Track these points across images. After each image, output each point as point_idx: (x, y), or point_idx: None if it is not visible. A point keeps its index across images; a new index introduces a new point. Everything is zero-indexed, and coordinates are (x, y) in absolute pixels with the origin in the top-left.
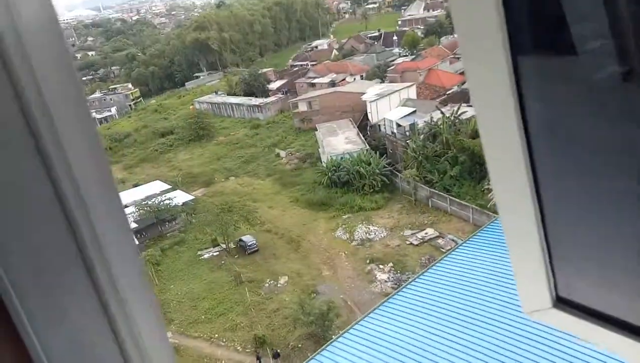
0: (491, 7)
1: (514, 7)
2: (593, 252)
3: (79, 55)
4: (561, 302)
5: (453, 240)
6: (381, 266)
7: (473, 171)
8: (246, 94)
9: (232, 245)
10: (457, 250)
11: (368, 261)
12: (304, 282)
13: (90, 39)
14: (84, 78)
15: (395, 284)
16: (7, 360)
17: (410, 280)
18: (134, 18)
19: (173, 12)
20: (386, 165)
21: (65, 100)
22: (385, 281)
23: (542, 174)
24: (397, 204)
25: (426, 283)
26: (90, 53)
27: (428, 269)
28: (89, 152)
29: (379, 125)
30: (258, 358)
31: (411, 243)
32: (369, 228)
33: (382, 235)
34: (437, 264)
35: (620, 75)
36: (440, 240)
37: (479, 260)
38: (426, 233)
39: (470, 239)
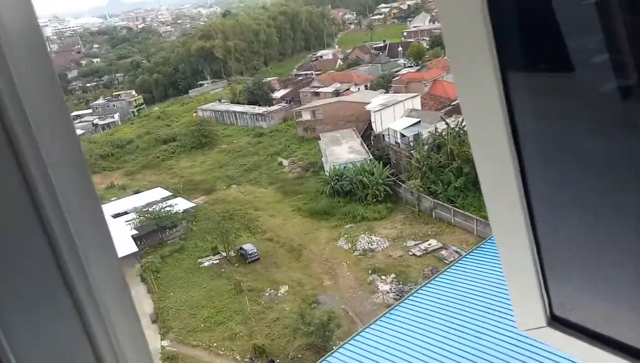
0: (479, 23)
1: (502, 24)
2: (588, 271)
3: (84, 62)
4: (556, 321)
5: (457, 252)
6: (383, 277)
7: (478, 182)
8: (250, 103)
9: (232, 254)
10: (460, 261)
11: (370, 271)
12: (304, 291)
13: (95, 46)
14: (88, 84)
15: (398, 295)
16: None
17: (412, 291)
18: (140, 26)
19: (179, 21)
20: (389, 175)
21: (47, 108)
22: (388, 292)
23: (535, 191)
24: (400, 215)
25: (429, 295)
26: (95, 60)
27: (431, 281)
28: (69, 161)
29: (383, 135)
30: None
31: (414, 254)
32: (371, 239)
33: (385, 246)
34: (440, 276)
35: (614, 89)
36: (443, 252)
37: (482, 272)
38: (429, 244)
39: (474, 251)
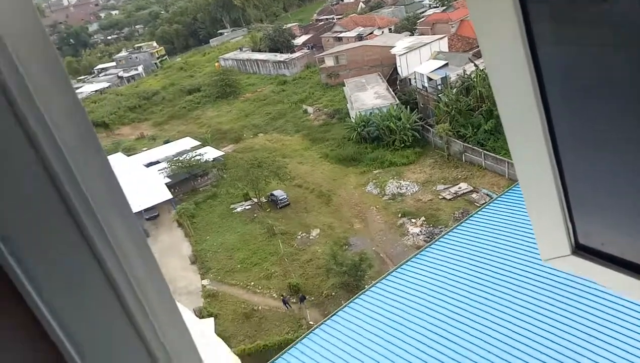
0: None
1: None
2: (612, 198)
3: (102, 15)
4: (580, 249)
5: (488, 195)
6: (413, 220)
7: None
8: (271, 50)
9: (263, 200)
10: (492, 204)
11: (400, 215)
12: (335, 234)
13: None
14: (109, 37)
15: (428, 237)
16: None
17: (443, 233)
18: None
19: None
20: (417, 120)
21: (45, 73)
22: (418, 234)
23: (557, 119)
24: (429, 159)
25: (460, 237)
26: (113, 12)
27: (462, 223)
28: (80, 135)
29: (409, 79)
30: (284, 301)
31: (444, 198)
32: (400, 183)
33: (414, 190)
34: (471, 218)
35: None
36: (474, 195)
37: (514, 214)
38: (459, 188)
39: (506, 193)
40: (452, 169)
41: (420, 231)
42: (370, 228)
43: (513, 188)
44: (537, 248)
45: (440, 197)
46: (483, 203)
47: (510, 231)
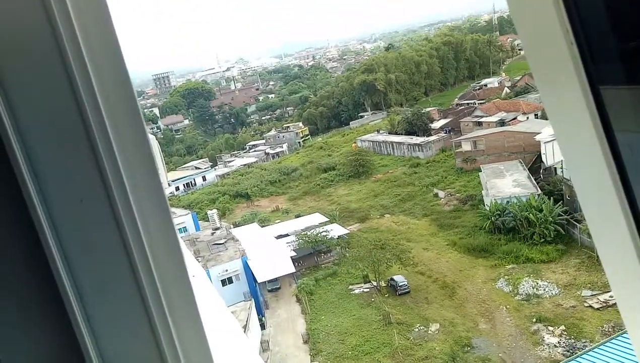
0: (562, 46)
1: (586, 39)
2: None
3: (260, 98)
4: None
5: None
6: (550, 328)
7: None
8: (407, 133)
9: (382, 284)
10: None
11: (534, 320)
12: (457, 332)
13: (271, 83)
14: (263, 118)
15: (568, 351)
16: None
17: (587, 348)
18: (310, 64)
19: (345, 57)
20: (562, 213)
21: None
22: (555, 346)
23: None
24: (574, 259)
25: (609, 355)
26: (270, 96)
27: (612, 339)
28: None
29: (555, 168)
30: None
31: (590, 306)
32: (537, 283)
33: (554, 293)
34: (625, 334)
35: None
36: (614, 298)
37: None
38: (611, 297)
39: None
40: (601, 273)
41: (559, 342)
42: (497, 331)
43: None
44: None
45: (585, 304)
46: None
47: None
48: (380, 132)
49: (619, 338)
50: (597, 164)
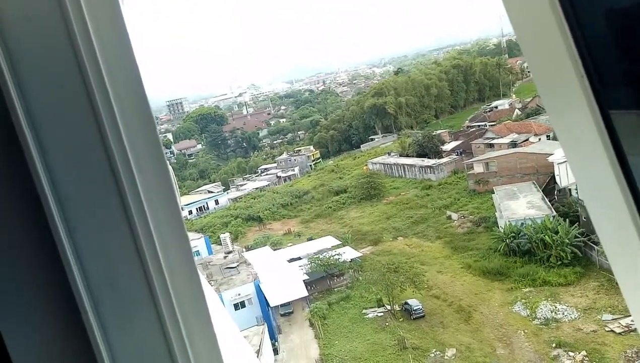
0: (570, 71)
1: (596, 65)
2: None
3: (272, 122)
4: None
5: None
6: (571, 353)
7: None
8: (419, 155)
9: (396, 307)
10: None
11: (554, 345)
12: (474, 357)
13: (283, 108)
14: (275, 141)
15: None
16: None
17: None
18: (320, 88)
19: (355, 81)
20: (578, 235)
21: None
22: None
23: None
24: (593, 282)
25: None
26: (281, 120)
27: None
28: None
29: (569, 190)
30: None
31: (612, 331)
32: (555, 307)
33: (573, 317)
34: None
35: None
36: (634, 323)
37: None
38: (632, 321)
39: None
40: (622, 297)
41: None
42: (516, 356)
43: None
44: None
45: (606, 329)
46: None
47: None
48: (391, 154)
49: None
50: (611, 189)
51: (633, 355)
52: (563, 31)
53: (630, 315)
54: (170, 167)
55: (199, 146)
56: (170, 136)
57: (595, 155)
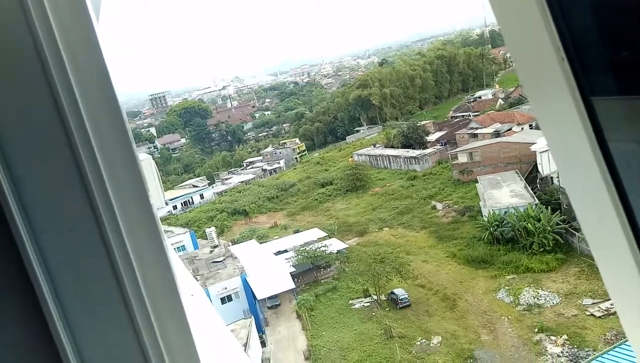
0: (552, 58)
1: (578, 53)
2: None
3: (257, 115)
4: None
5: None
6: (553, 337)
7: None
8: (404, 146)
9: (383, 297)
10: None
11: (536, 330)
12: (459, 344)
13: (267, 100)
14: (260, 134)
15: (571, 361)
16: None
17: (590, 358)
18: (305, 80)
19: (339, 73)
20: (560, 222)
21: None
22: (559, 355)
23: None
24: (574, 267)
25: None
26: (266, 113)
27: (615, 347)
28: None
29: (551, 178)
30: None
31: (592, 315)
32: (537, 293)
33: (555, 302)
34: (627, 343)
35: None
36: (613, 306)
37: None
38: (612, 304)
39: None
40: (602, 281)
41: (562, 352)
42: (500, 342)
43: None
44: None
45: (587, 313)
46: None
47: None
48: (377, 146)
49: (622, 346)
50: (592, 174)
51: (612, 338)
52: (545, 16)
53: (609, 299)
54: (153, 162)
55: (183, 140)
56: (153, 130)
57: (576, 142)
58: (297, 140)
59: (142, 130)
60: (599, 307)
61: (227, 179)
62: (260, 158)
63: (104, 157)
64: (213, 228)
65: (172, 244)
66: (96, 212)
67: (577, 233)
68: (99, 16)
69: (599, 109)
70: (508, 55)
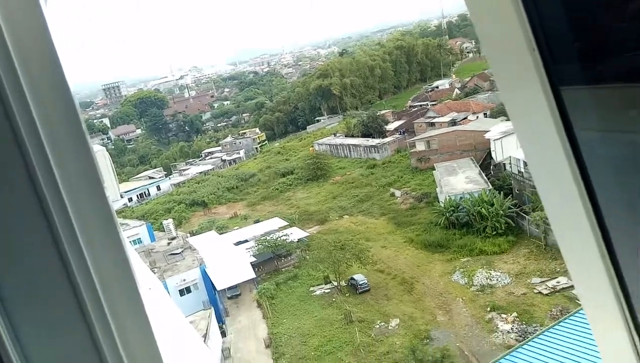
0: (522, 44)
1: (548, 41)
2: None
3: (215, 105)
4: None
5: None
6: (504, 315)
7: None
8: (364, 135)
9: (343, 283)
10: None
11: (489, 309)
12: (416, 326)
13: (227, 90)
14: (219, 124)
15: (520, 336)
16: None
17: (538, 332)
18: (265, 70)
19: (300, 63)
20: (511, 207)
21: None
22: (509, 332)
23: (605, 208)
24: (524, 249)
25: (557, 338)
26: (225, 103)
27: (560, 322)
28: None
29: (504, 165)
30: None
31: (540, 292)
32: (490, 274)
33: (506, 282)
34: (572, 317)
35: None
36: (575, 291)
37: None
38: (558, 282)
39: None
40: (549, 261)
41: (512, 328)
42: (454, 322)
43: None
44: None
45: (535, 291)
46: None
47: None
48: (337, 135)
49: (566, 321)
50: (559, 161)
51: (557, 313)
52: (516, 4)
53: (555, 277)
54: (107, 154)
55: (139, 131)
56: (107, 121)
57: (544, 130)
58: (257, 130)
59: (95, 121)
60: (546, 285)
61: (185, 170)
62: (220, 148)
63: (54, 150)
64: (170, 220)
65: (127, 237)
66: (45, 207)
67: (527, 217)
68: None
69: (567, 98)
70: (464, 45)
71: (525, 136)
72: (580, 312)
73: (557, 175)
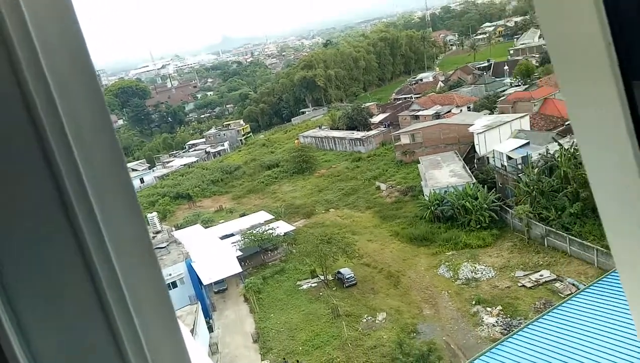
0: (596, 33)
1: (624, 32)
2: None
3: (199, 96)
4: None
5: (574, 285)
6: (489, 308)
7: None
8: (349, 128)
9: (330, 277)
10: (578, 295)
11: (474, 302)
12: (403, 319)
13: (210, 80)
14: (202, 116)
15: (505, 329)
16: None
17: (522, 325)
18: (249, 60)
19: (284, 53)
20: (495, 200)
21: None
22: (493, 325)
23: None
24: (508, 242)
25: (541, 330)
26: (209, 93)
27: (544, 315)
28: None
29: (487, 158)
30: None
31: (523, 286)
32: (475, 267)
33: (490, 275)
34: (555, 310)
35: None
36: (558, 284)
37: (605, 308)
38: (541, 275)
39: (595, 284)
40: (532, 254)
41: (496, 321)
42: (440, 315)
43: (603, 279)
44: (628, 349)
45: (519, 284)
46: (569, 294)
47: (600, 328)
48: (322, 127)
49: (550, 314)
50: (625, 156)
51: (541, 306)
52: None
53: (539, 271)
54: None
55: (120, 122)
56: None
57: (613, 125)
58: (241, 121)
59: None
60: (530, 278)
61: (168, 162)
62: (204, 140)
63: (75, 131)
64: (155, 213)
65: None
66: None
67: (510, 210)
68: None
69: (638, 93)
70: (448, 38)
71: (588, 131)
72: (561, 305)
73: (621, 172)
